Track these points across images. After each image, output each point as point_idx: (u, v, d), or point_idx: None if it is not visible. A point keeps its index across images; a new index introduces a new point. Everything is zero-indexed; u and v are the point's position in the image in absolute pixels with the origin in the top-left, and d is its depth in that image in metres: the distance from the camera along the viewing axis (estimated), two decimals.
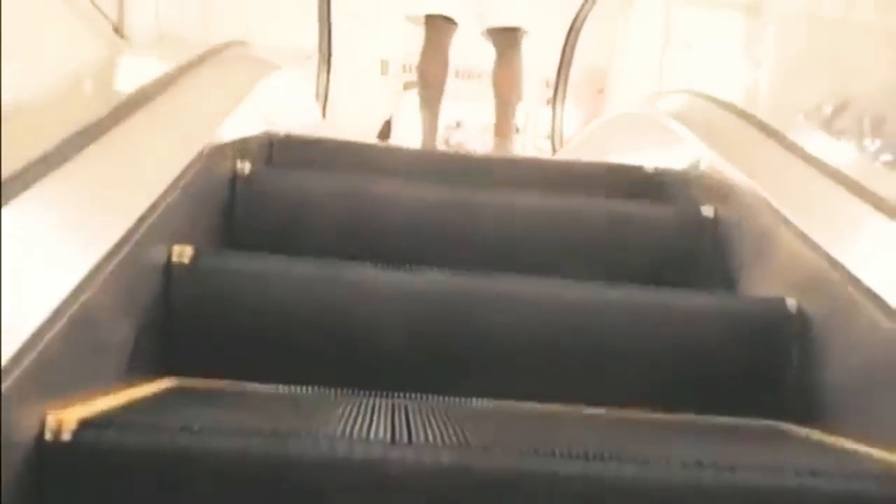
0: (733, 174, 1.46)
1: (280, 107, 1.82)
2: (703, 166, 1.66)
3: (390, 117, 6.57)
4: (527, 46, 2.68)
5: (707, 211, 1.43)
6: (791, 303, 1.08)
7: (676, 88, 2.33)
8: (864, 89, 5.50)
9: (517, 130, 8.11)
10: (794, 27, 3.89)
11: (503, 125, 2.68)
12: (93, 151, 0.89)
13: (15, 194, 0.71)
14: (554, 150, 3.39)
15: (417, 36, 2.67)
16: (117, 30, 1.73)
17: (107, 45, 1.72)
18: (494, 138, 2.72)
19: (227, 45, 1.57)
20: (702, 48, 3.72)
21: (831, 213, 1.23)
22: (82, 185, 0.86)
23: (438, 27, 2.58)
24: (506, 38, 2.60)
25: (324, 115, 2.82)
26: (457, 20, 2.59)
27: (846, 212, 1.17)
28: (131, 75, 1.56)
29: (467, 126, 8.88)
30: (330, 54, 3.02)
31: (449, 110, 9.61)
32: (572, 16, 3.42)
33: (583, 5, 3.32)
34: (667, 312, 1.13)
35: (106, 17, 1.66)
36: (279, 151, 1.58)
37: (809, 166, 1.36)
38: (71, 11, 1.61)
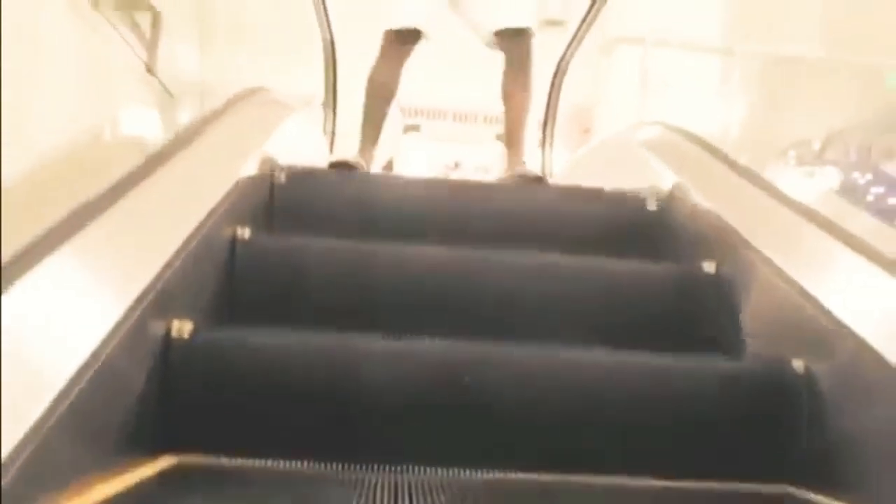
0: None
1: (296, 142, 2.11)
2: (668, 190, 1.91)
3: (391, 158, 6.89)
4: None
5: (709, 267, 1.43)
6: (798, 364, 1.07)
7: (650, 120, 2.58)
8: (834, 123, 5.80)
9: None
10: (761, 66, 4.19)
11: (515, 137, 2.46)
12: (95, 228, 0.91)
13: (17, 276, 0.71)
14: None
15: (410, 78, 2.55)
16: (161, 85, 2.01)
17: (161, 104, 1.98)
18: (507, 152, 2.51)
19: (253, 91, 1.85)
20: (679, 87, 4.00)
21: (812, 253, 1.28)
22: (82, 265, 0.86)
23: (405, 39, 2.39)
24: (515, 43, 2.42)
25: (331, 150, 3.09)
26: (427, 33, 2.40)
27: (834, 258, 1.19)
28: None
29: (465, 166, 9.22)
30: (335, 98, 3.35)
31: (447, 152, 9.92)
32: (557, 59, 3.67)
33: (566, 50, 3.60)
34: (668, 377, 1.12)
35: (160, 82, 1.92)
36: (295, 176, 1.83)
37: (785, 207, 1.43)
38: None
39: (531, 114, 2.54)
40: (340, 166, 2.15)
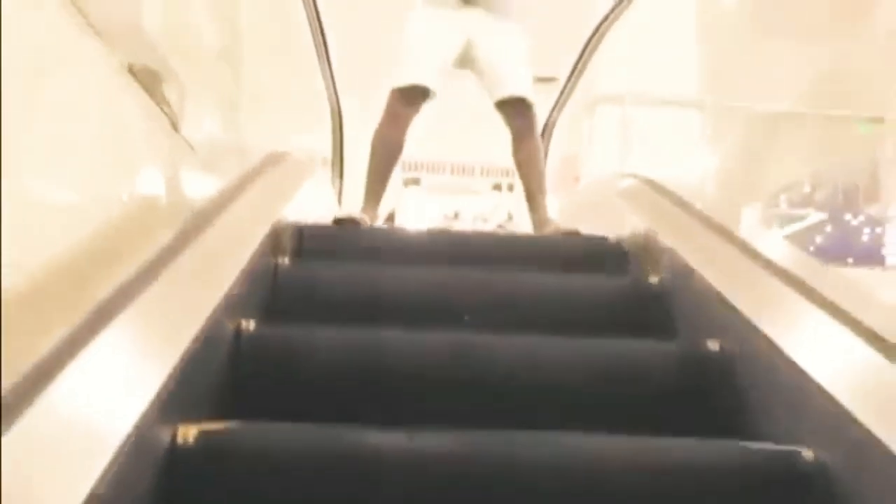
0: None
1: (310, 198, 2.43)
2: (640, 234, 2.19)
3: (393, 209, 7.25)
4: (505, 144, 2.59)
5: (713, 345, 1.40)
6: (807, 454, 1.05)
7: (625, 172, 2.90)
8: (809, 170, 6.13)
9: (510, 217, 8.70)
10: (731, 119, 4.55)
11: (536, 202, 2.49)
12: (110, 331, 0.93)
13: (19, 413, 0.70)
14: None
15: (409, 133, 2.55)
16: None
17: (184, 157, 2.28)
18: (532, 216, 2.51)
19: (283, 155, 2.16)
20: (658, 140, 4.34)
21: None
22: (84, 387, 0.85)
23: (412, 99, 2.40)
24: (517, 112, 2.45)
25: (339, 203, 3.42)
26: (435, 92, 2.41)
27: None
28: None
29: (464, 216, 9.56)
30: (342, 158, 3.71)
31: (447, 203, 10.22)
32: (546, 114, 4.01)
33: (552, 110, 3.95)
34: (672, 463, 1.10)
35: (184, 138, 2.23)
36: (309, 231, 2.12)
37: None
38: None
39: (545, 176, 2.58)
40: (345, 222, 2.18)
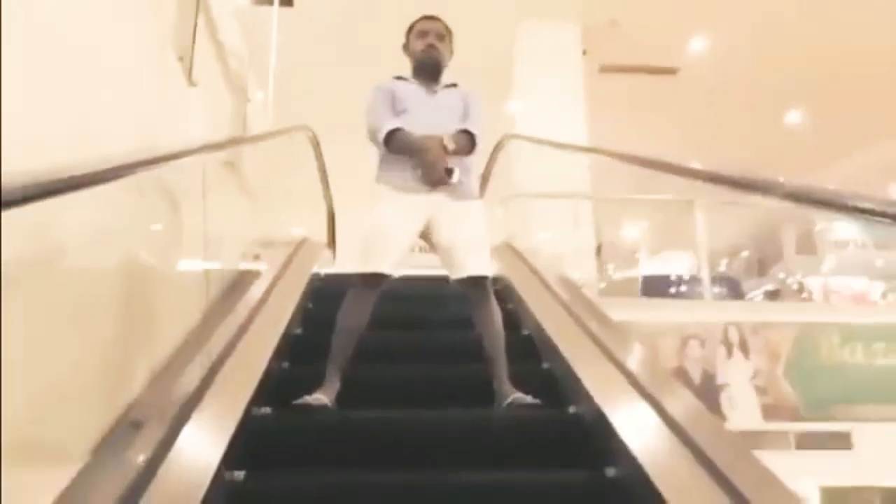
0: None
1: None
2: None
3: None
4: None
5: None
6: None
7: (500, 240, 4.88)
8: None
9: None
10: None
11: (499, 363, 2.57)
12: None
13: None
14: None
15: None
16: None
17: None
18: (494, 376, 2.57)
19: (305, 239, 4.15)
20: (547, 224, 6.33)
21: None
22: None
23: (375, 282, 2.58)
24: (474, 285, 2.63)
25: (334, 258, 5.40)
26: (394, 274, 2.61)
27: None
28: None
29: None
30: (334, 240, 5.76)
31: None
32: None
33: None
34: None
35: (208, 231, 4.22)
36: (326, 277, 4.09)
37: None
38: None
39: (503, 339, 2.61)
40: (304, 406, 2.30)
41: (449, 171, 2.56)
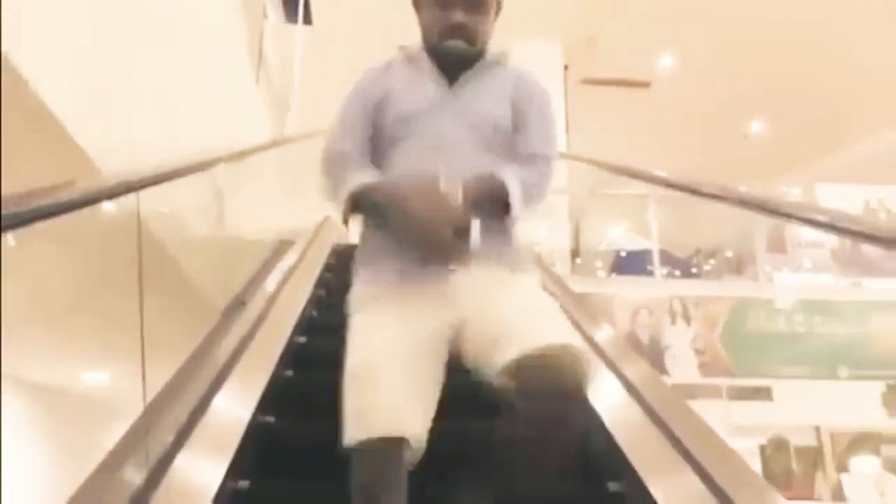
0: None
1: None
2: None
3: None
4: None
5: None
6: None
7: None
8: None
9: None
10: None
11: None
12: None
13: None
14: None
15: None
16: None
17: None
18: None
19: (327, 218, 5.29)
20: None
21: None
22: None
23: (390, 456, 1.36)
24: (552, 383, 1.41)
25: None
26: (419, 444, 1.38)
27: None
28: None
29: None
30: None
31: None
32: None
33: None
34: None
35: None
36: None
37: None
38: None
39: None
40: None
41: (461, 233, 1.45)
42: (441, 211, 1.43)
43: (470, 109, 1.65)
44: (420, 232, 1.45)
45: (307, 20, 8.08)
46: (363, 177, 1.59)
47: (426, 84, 1.69)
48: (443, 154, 1.55)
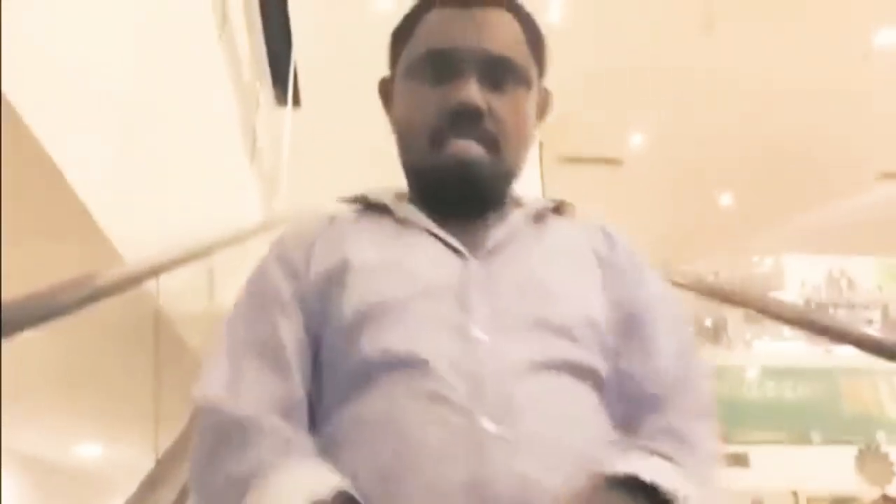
0: None
1: None
2: None
3: None
4: None
5: None
6: None
7: None
8: None
9: None
10: None
11: None
12: None
13: None
14: None
15: None
16: None
17: None
18: None
19: None
20: None
21: None
22: None
23: None
24: None
25: None
26: None
27: None
28: None
29: None
30: None
31: None
32: None
33: None
34: None
35: None
36: None
37: None
38: None
39: None
40: None
41: None
42: None
43: (511, 295, 0.86)
44: None
45: (296, 101, 8.43)
46: (322, 476, 0.73)
47: (425, 251, 0.89)
48: (481, 404, 0.75)
